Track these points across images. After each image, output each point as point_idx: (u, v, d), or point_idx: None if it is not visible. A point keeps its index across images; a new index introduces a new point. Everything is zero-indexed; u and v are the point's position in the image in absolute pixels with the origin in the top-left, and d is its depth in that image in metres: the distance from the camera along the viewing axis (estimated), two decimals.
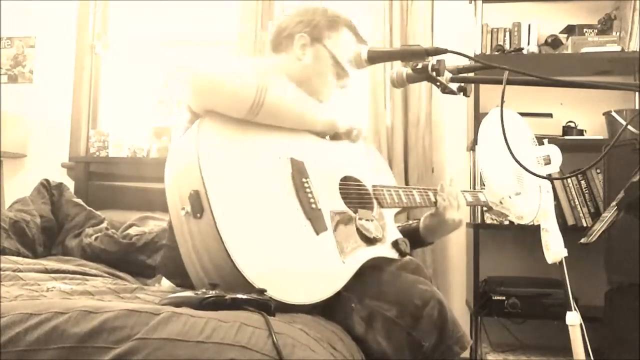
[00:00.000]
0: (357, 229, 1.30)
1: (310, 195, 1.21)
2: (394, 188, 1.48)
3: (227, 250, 1.01)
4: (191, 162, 1.07)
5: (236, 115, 1.19)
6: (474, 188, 2.78)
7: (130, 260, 2.24)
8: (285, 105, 1.26)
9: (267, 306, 0.93)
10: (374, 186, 1.44)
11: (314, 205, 1.21)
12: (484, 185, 1.70)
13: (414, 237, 1.57)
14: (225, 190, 1.07)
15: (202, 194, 1.04)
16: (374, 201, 1.41)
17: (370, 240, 1.31)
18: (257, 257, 1.05)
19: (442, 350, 1.26)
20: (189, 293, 0.94)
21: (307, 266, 1.14)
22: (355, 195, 1.37)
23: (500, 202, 1.68)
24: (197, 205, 1.04)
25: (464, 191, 1.61)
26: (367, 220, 1.33)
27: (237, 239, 1.03)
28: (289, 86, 1.32)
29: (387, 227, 1.40)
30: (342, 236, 1.24)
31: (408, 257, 1.49)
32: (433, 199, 1.52)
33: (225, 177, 1.09)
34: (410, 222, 1.63)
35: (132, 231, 2.35)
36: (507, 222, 2.64)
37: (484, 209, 1.74)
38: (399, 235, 1.41)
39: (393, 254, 1.37)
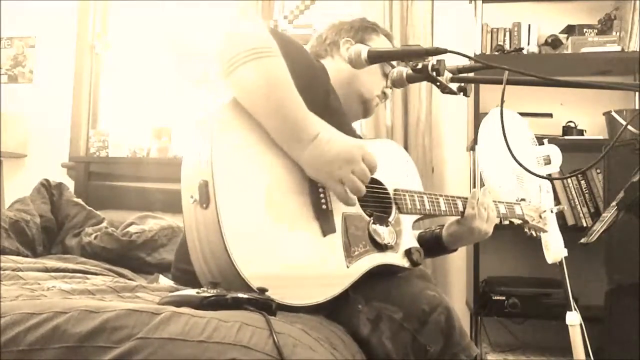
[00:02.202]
0: (369, 234, 1.26)
1: (322, 195, 1.18)
2: (417, 193, 1.42)
3: (225, 246, 1.00)
4: (204, 151, 1.05)
5: (217, 68, 1.15)
6: (474, 188, 2.77)
7: (130, 258, 2.24)
8: (261, 94, 1.11)
9: (268, 306, 0.92)
10: (395, 190, 1.39)
11: (324, 206, 1.18)
12: (524, 198, 1.66)
13: (436, 244, 1.54)
14: (233, 183, 1.05)
15: (210, 184, 1.03)
16: (394, 206, 1.37)
17: (380, 247, 1.27)
18: (256, 255, 1.04)
19: (447, 357, 1.24)
20: (189, 292, 0.94)
21: (307, 267, 1.12)
22: (373, 198, 1.32)
23: (540, 217, 1.64)
24: (205, 196, 1.03)
25: (499, 202, 1.57)
26: (381, 225, 1.29)
27: (238, 235, 1.02)
28: (283, 79, 1.13)
29: (403, 233, 1.36)
30: (352, 240, 1.21)
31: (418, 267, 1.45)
32: (461, 208, 1.48)
33: (236, 170, 1.07)
34: (434, 228, 1.58)
35: (132, 229, 2.36)
36: (507, 222, 2.64)
37: (518, 222, 1.67)
38: (415, 244, 1.37)
39: (404, 263, 1.33)
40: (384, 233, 1.29)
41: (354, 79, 1.50)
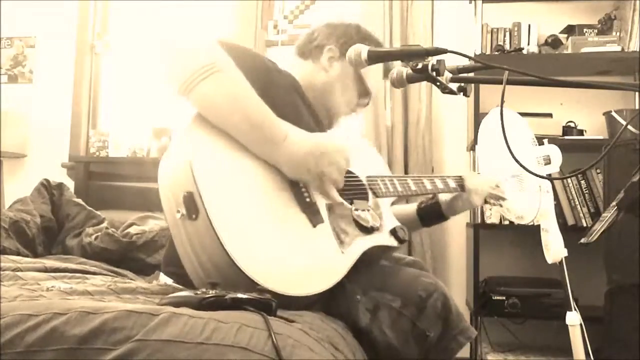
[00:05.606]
0: (354, 220, 1.31)
1: (304, 189, 1.22)
2: (388, 177, 1.51)
3: (224, 248, 1.01)
4: (183, 165, 1.07)
5: (173, 89, 1.17)
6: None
7: (131, 258, 2.24)
8: (226, 107, 1.14)
9: (268, 306, 0.92)
10: (368, 177, 1.45)
11: (308, 199, 1.22)
12: (479, 173, 1.76)
13: (437, 213, 1.69)
14: (218, 189, 1.07)
15: (196, 194, 1.04)
16: (369, 191, 1.43)
17: (367, 230, 1.32)
18: (255, 252, 1.05)
19: (447, 340, 1.29)
20: (188, 293, 0.94)
21: (306, 258, 1.15)
22: (349, 187, 1.37)
23: (497, 186, 1.73)
24: (192, 207, 1.04)
25: (448, 177, 1.69)
26: (363, 210, 1.35)
27: (233, 236, 1.03)
28: (244, 89, 1.16)
29: (384, 215, 1.42)
30: (340, 227, 1.26)
31: (412, 258, 1.54)
32: (429, 186, 1.59)
33: (217, 177, 1.09)
34: (428, 200, 1.71)
35: (133, 230, 2.35)
36: (507, 222, 2.65)
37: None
38: (397, 223, 1.44)
39: (392, 242, 1.39)
40: (367, 217, 1.34)
41: (326, 93, 1.51)
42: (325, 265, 1.18)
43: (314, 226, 1.20)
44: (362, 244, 1.29)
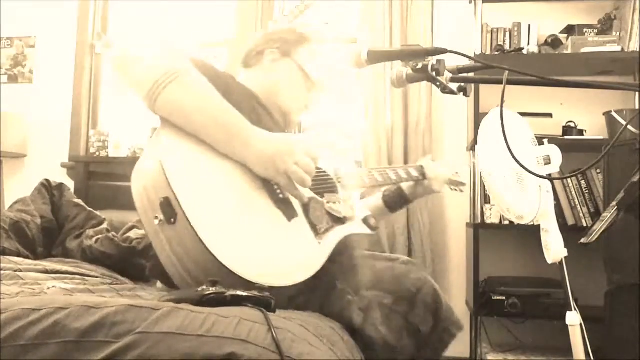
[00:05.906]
0: (327, 212, 1.34)
1: (275, 186, 1.24)
2: (355, 171, 1.57)
3: (205, 246, 1.01)
4: (156, 172, 1.08)
5: (139, 96, 1.21)
6: (474, 188, 2.78)
7: (130, 263, 2.23)
8: (194, 108, 1.16)
9: (268, 303, 0.93)
10: (336, 171, 1.51)
11: (281, 195, 1.23)
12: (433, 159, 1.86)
13: (402, 199, 1.79)
14: (193, 191, 1.08)
15: (172, 198, 1.05)
16: (338, 185, 1.48)
17: (341, 220, 1.36)
18: (235, 248, 1.07)
19: (439, 332, 1.34)
20: (189, 290, 0.95)
21: (284, 250, 1.17)
22: (319, 181, 1.41)
23: (457, 173, 1.87)
24: (170, 211, 1.05)
25: (410, 166, 1.79)
26: (334, 202, 1.39)
27: (213, 234, 1.04)
28: (209, 91, 1.19)
29: (355, 206, 1.47)
30: (315, 219, 1.29)
31: (407, 259, 1.57)
32: (393, 177, 1.67)
33: (191, 180, 1.11)
34: (393, 188, 1.80)
35: (133, 234, 2.34)
36: (507, 222, 2.65)
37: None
38: (368, 213, 1.48)
39: (365, 230, 1.44)
40: (339, 208, 1.38)
41: (274, 91, 1.54)
42: (304, 255, 1.21)
43: (289, 220, 1.22)
44: (338, 233, 1.32)
